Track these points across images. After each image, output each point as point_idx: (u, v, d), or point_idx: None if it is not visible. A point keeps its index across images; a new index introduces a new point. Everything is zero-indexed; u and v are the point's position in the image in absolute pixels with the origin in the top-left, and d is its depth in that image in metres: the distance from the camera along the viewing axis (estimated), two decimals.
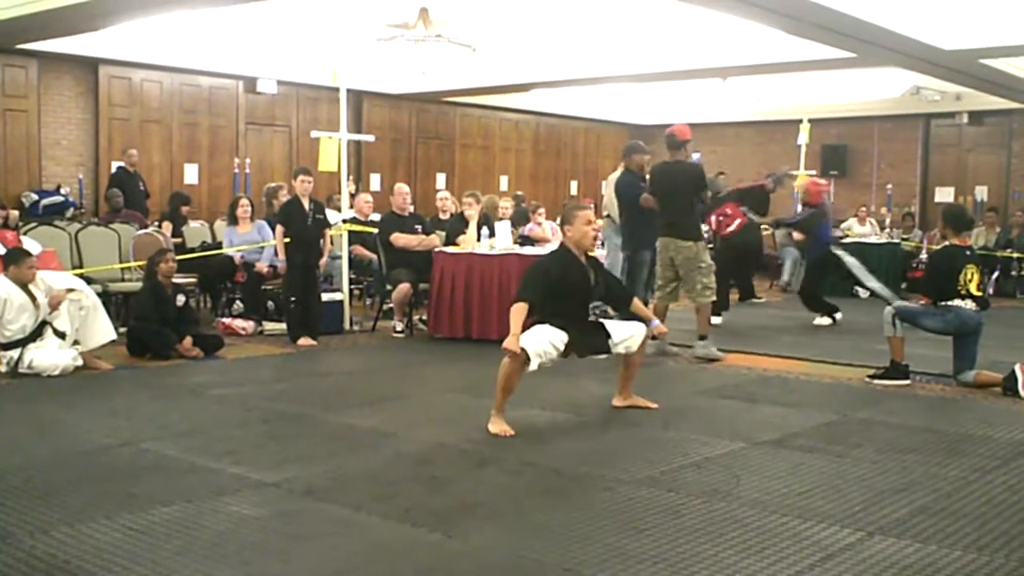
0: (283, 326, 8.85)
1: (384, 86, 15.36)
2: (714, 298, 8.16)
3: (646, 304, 8.32)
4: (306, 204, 8.61)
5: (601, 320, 5.75)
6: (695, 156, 9.96)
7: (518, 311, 5.26)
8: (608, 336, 5.59)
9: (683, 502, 4.09)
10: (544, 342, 5.30)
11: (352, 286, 10.17)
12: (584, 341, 5.50)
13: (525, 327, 5.30)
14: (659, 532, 3.70)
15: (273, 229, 9.51)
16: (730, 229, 10.49)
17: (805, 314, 10.36)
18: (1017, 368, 6.55)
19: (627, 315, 6.80)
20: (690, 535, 3.67)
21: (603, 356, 5.73)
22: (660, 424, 5.59)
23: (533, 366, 5.23)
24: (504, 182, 18.16)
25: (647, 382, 6.25)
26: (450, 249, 9.06)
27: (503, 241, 9.06)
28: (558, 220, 9.30)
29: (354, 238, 10.12)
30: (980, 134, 17.15)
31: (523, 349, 5.17)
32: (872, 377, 7.01)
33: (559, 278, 5.45)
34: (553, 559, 3.42)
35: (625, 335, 5.66)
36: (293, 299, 8.61)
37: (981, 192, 17.06)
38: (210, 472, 4.48)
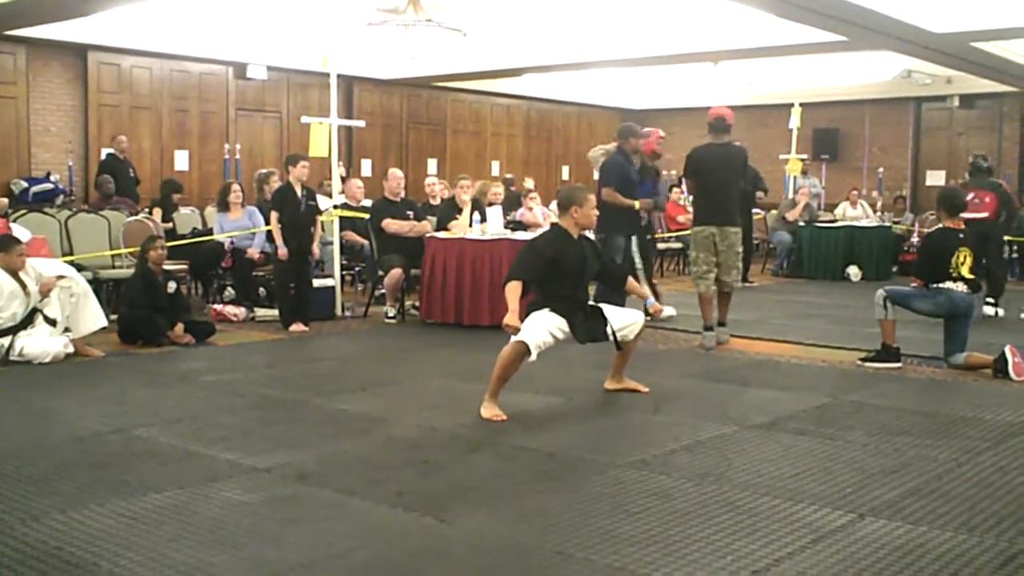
0: (275, 312, 8.84)
1: (375, 71, 15.32)
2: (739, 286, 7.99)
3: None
4: (299, 190, 8.58)
5: (600, 306, 5.73)
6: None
7: (512, 289, 5.29)
8: (606, 323, 5.60)
9: (675, 485, 4.10)
10: (544, 332, 5.30)
11: (344, 272, 10.15)
12: (584, 328, 5.49)
13: (523, 307, 5.33)
14: (651, 515, 3.71)
15: (264, 215, 9.50)
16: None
17: (797, 298, 10.37)
18: (1007, 350, 6.57)
19: (621, 296, 6.79)
20: (681, 518, 3.68)
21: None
22: (652, 408, 5.60)
23: (533, 357, 5.24)
24: (496, 167, 18.14)
25: (639, 366, 6.25)
26: (441, 234, 9.05)
27: (494, 226, 9.05)
28: (553, 204, 9.29)
29: (345, 224, 10.10)
30: (971, 117, 17.17)
31: (523, 342, 5.18)
32: (864, 360, 7.03)
33: (554, 257, 5.45)
34: (545, 542, 3.43)
35: (623, 323, 5.66)
36: (292, 285, 8.60)
37: None
38: (202, 458, 4.48)
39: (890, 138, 17.97)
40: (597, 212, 5.73)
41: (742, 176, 7.99)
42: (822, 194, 16.55)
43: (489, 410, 5.24)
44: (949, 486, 4.14)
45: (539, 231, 7.87)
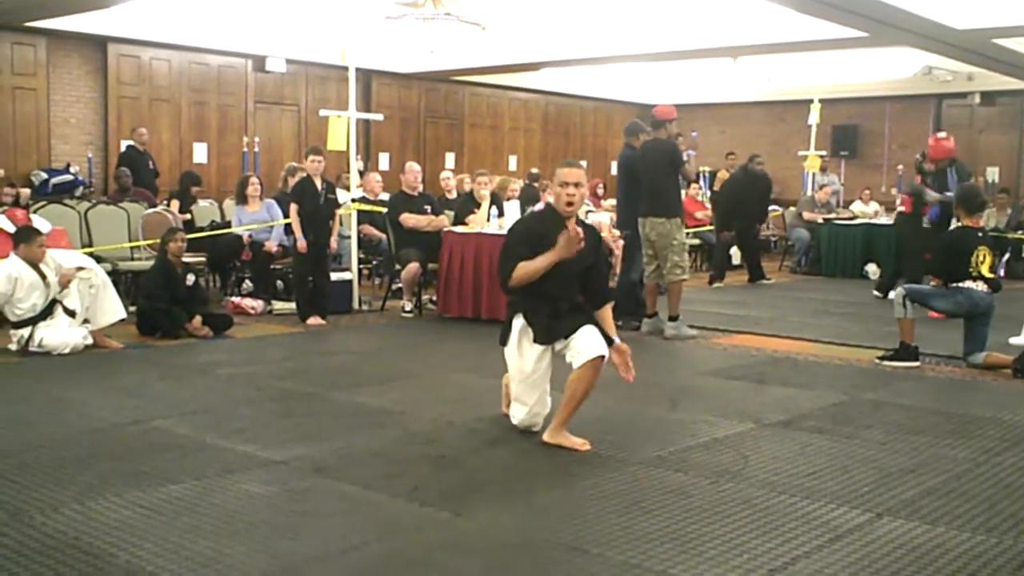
0: (292, 305, 8.86)
1: (393, 65, 15.32)
2: (686, 277, 8.14)
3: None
4: (318, 183, 8.60)
5: (585, 312, 4.90)
6: (692, 135, 9.88)
7: (520, 276, 4.73)
8: (581, 323, 4.72)
9: (691, 482, 4.09)
10: (531, 388, 4.81)
11: (361, 266, 10.17)
12: (544, 325, 4.75)
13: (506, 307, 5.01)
14: (667, 512, 3.70)
15: (282, 207, 9.52)
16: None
17: (815, 295, 10.31)
18: None
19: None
20: (698, 515, 3.67)
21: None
22: (668, 405, 5.59)
23: (547, 408, 4.89)
24: (513, 162, 18.13)
25: (655, 362, 6.24)
26: (459, 229, 9.05)
27: (512, 221, 9.03)
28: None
29: (363, 217, 10.11)
30: (992, 115, 17.03)
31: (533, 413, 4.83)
32: (882, 359, 6.99)
33: (540, 237, 4.74)
34: (561, 538, 3.43)
35: (581, 344, 4.64)
36: (311, 278, 8.61)
37: (992, 173, 16.96)
38: (219, 450, 4.50)
39: (910, 135, 17.83)
40: (570, 196, 4.73)
41: (671, 169, 8.06)
42: (841, 191, 16.45)
43: (561, 438, 4.68)
44: (967, 486, 4.11)
45: None
